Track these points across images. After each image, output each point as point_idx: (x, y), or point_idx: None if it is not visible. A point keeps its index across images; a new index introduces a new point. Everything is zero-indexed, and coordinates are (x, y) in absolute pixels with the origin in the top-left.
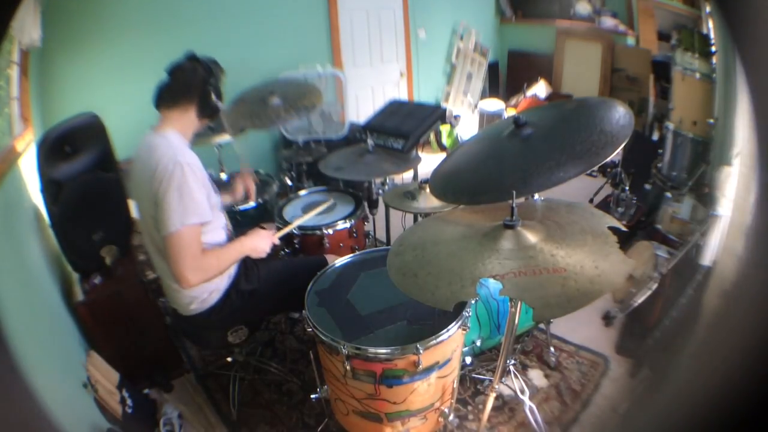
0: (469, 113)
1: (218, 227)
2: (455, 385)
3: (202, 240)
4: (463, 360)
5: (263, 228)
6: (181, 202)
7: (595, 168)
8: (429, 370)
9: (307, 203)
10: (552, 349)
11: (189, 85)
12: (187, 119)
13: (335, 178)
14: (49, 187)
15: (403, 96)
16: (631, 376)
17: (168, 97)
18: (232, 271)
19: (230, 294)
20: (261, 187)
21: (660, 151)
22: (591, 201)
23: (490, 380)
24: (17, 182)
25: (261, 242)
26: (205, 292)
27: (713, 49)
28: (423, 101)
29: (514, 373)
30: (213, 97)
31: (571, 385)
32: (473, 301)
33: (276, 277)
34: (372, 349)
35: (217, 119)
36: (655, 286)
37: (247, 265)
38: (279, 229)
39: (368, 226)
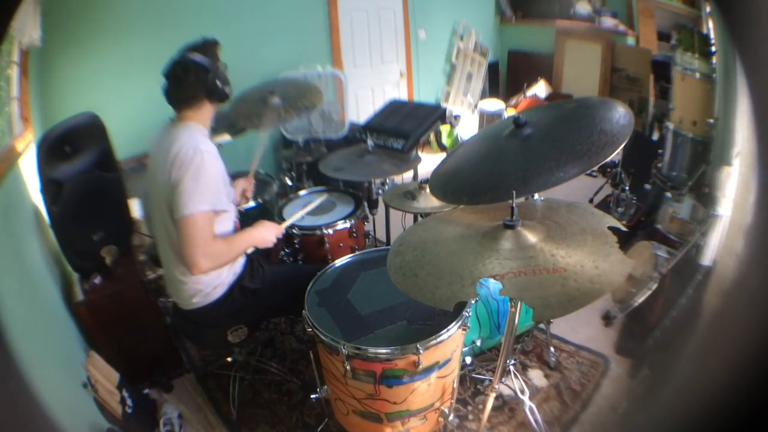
0: (469, 113)
1: (229, 219)
2: (455, 385)
3: (215, 229)
4: (463, 360)
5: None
6: (198, 187)
7: (595, 168)
8: (429, 370)
9: (307, 203)
10: (552, 349)
11: (190, 86)
12: (203, 111)
13: (335, 178)
14: (49, 187)
15: (403, 96)
16: (631, 376)
17: (176, 100)
18: (238, 268)
19: (234, 290)
20: (261, 187)
21: (660, 151)
22: (591, 201)
23: (490, 380)
24: (17, 182)
25: (267, 233)
26: (210, 286)
27: (713, 49)
28: (423, 101)
29: (514, 373)
30: (218, 83)
31: (571, 385)
32: (473, 301)
33: (280, 279)
34: (372, 349)
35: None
36: (655, 286)
37: (253, 264)
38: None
39: (368, 226)
